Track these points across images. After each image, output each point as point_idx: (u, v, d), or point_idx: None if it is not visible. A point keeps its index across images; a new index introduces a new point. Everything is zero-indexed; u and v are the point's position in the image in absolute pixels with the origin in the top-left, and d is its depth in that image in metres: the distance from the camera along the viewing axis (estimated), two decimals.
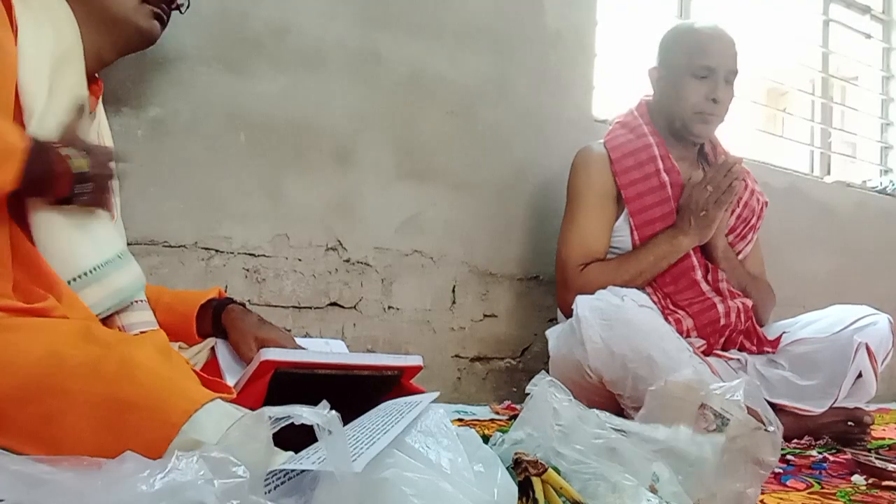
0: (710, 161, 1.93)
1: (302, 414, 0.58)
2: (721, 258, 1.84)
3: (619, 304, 1.60)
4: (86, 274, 0.98)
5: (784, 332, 1.84)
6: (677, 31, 1.90)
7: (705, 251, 1.83)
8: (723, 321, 1.77)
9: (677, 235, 1.76)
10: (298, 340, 1.18)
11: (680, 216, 1.77)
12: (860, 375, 1.67)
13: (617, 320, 1.57)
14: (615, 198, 1.82)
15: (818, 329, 1.79)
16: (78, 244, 1.00)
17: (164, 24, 1.18)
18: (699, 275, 1.79)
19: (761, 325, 1.89)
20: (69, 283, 0.97)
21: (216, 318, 1.16)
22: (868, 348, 1.66)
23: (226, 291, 1.62)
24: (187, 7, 1.26)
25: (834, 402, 1.66)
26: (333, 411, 0.59)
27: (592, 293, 1.65)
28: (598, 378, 1.59)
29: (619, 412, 1.49)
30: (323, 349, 1.24)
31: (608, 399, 1.59)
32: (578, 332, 1.58)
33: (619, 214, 1.82)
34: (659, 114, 1.87)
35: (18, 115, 0.96)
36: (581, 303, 1.61)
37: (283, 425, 0.60)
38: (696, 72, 1.79)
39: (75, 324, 0.86)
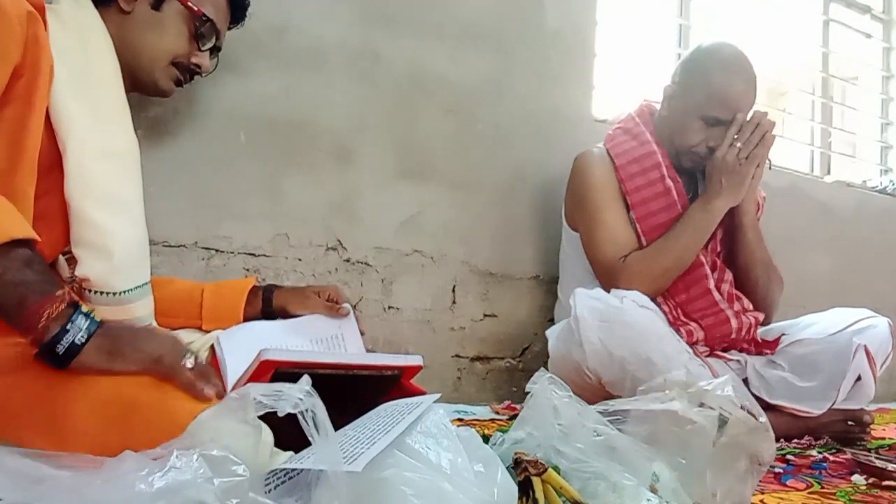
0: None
1: (285, 391, 0.58)
2: (749, 227, 1.81)
3: (618, 306, 1.59)
4: (114, 294, 1.03)
5: (783, 334, 1.84)
6: (707, 63, 1.79)
7: (734, 219, 1.80)
8: (733, 335, 1.76)
9: (710, 200, 1.72)
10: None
11: (709, 180, 1.73)
12: (859, 378, 1.67)
13: (615, 322, 1.56)
14: (622, 197, 1.82)
15: (817, 330, 1.79)
16: (134, 255, 1.05)
17: (181, 86, 1.24)
18: (712, 283, 1.77)
19: (769, 316, 1.88)
20: (94, 293, 1.01)
21: (266, 300, 1.27)
22: (867, 351, 1.66)
23: None
24: (212, 71, 1.32)
25: (833, 404, 1.65)
26: (315, 392, 0.59)
27: (640, 282, 1.65)
28: (597, 379, 1.59)
29: None
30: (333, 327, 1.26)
31: (607, 399, 1.59)
32: (577, 333, 1.58)
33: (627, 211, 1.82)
34: (661, 128, 1.85)
35: (52, 138, 0.98)
36: (580, 303, 1.61)
37: (268, 410, 0.60)
38: (706, 118, 1.75)
39: None
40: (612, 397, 1.59)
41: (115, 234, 1.02)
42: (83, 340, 0.77)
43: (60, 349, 0.75)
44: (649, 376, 1.47)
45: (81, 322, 0.77)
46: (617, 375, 1.56)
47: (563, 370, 1.62)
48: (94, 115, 1.02)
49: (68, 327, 0.76)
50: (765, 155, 1.73)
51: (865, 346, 1.66)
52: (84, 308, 0.80)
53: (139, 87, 1.20)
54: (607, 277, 1.75)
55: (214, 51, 1.27)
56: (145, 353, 0.79)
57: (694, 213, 1.72)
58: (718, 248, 1.86)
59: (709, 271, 1.77)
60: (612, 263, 1.74)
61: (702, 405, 0.93)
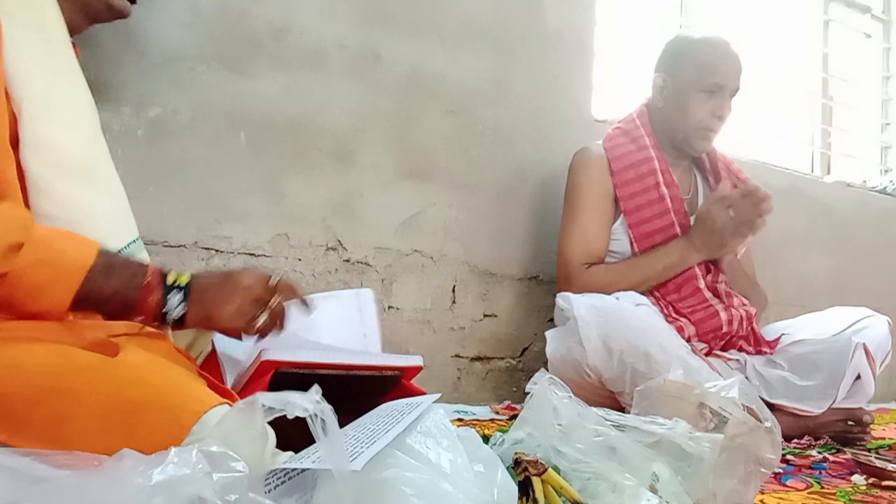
0: (703, 167, 1.94)
1: (294, 400, 0.58)
2: (725, 269, 1.84)
3: (615, 303, 1.60)
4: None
5: (783, 334, 1.84)
6: (687, 43, 1.87)
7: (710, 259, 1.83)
8: (725, 328, 1.76)
9: (689, 249, 1.74)
10: (325, 294, 1.18)
11: (694, 228, 1.75)
12: (859, 377, 1.67)
13: (614, 317, 1.57)
14: (613, 199, 1.83)
15: (817, 331, 1.79)
16: (104, 222, 0.96)
17: (134, 2, 1.14)
18: (702, 283, 1.79)
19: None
20: None
21: None
22: (866, 349, 1.67)
23: None
24: None
25: (832, 403, 1.66)
26: (324, 399, 0.59)
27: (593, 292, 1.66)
28: (598, 377, 1.59)
29: (621, 412, 1.49)
30: (350, 298, 1.23)
31: (608, 399, 1.59)
32: (576, 332, 1.59)
33: (616, 217, 1.83)
34: (661, 122, 1.86)
35: (8, 108, 0.89)
36: (577, 303, 1.62)
37: (277, 415, 0.60)
38: (705, 88, 1.78)
39: (87, 323, 0.86)
40: (612, 396, 1.60)
41: (83, 205, 0.94)
42: (183, 311, 0.87)
43: (168, 323, 0.87)
44: (648, 370, 1.49)
45: (174, 299, 0.86)
46: (617, 371, 1.56)
47: (562, 371, 1.63)
48: (52, 74, 0.94)
49: (165, 310, 0.86)
50: (746, 234, 1.73)
51: (865, 344, 1.67)
52: (169, 279, 0.87)
53: (94, 15, 1.10)
54: (566, 277, 1.79)
55: None
56: (232, 316, 0.89)
57: (670, 253, 1.74)
58: None
59: (699, 272, 1.78)
60: (574, 266, 1.78)
61: (701, 405, 0.93)
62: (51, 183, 0.91)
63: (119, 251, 0.96)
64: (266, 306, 0.91)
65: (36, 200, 0.90)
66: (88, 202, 0.95)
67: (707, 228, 1.72)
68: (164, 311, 0.86)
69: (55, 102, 0.94)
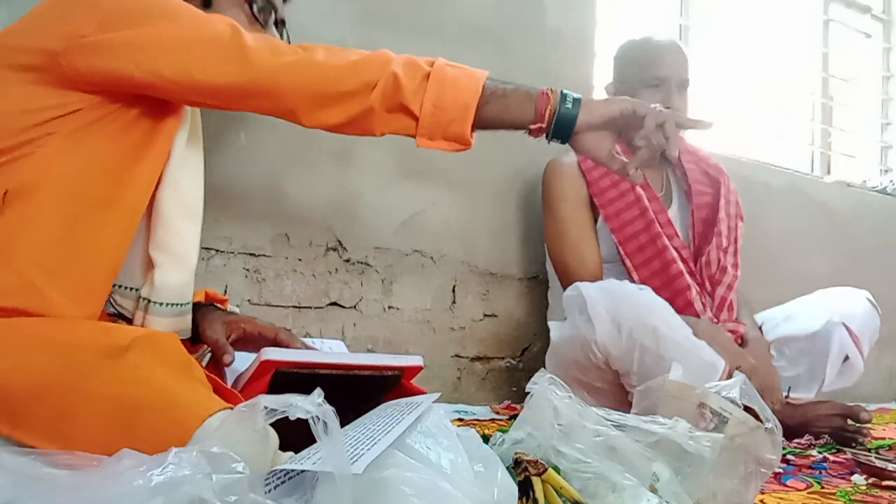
0: (674, 164, 1.94)
1: (296, 403, 0.58)
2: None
3: (623, 284, 1.63)
4: (181, 305, 1.03)
5: (762, 324, 1.85)
6: (629, 46, 1.92)
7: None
8: None
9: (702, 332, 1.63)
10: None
11: (732, 354, 1.62)
12: (847, 358, 1.69)
13: (622, 294, 1.59)
14: (589, 205, 1.85)
15: (800, 327, 1.79)
16: (194, 268, 1.05)
17: None
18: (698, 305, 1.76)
19: None
20: (158, 304, 1.00)
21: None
22: (848, 328, 1.68)
23: (226, 291, 1.63)
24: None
25: (822, 386, 1.67)
26: (326, 402, 0.59)
27: None
28: (605, 357, 1.59)
29: (624, 403, 1.51)
30: (322, 349, 1.24)
31: (612, 385, 1.61)
32: (585, 310, 1.59)
33: (595, 219, 1.85)
34: None
35: None
36: (586, 287, 1.62)
37: (278, 417, 0.60)
38: (648, 82, 1.80)
39: (95, 324, 0.87)
40: (616, 381, 1.60)
41: (195, 245, 1.04)
42: (576, 111, 1.04)
43: (560, 122, 1.05)
44: (657, 346, 1.50)
45: (570, 97, 1.04)
46: (626, 348, 1.56)
47: (567, 353, 1.64)
48: (192, 131, 1.06)
49: (561, 106, 1.04)
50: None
51: (844, 323, 1.68)
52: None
53: None
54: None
55: (280, 25, 1.25)
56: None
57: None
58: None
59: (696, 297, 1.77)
60: (579, 279, 1.75)
61: (701, 404, 0.93)
62: (177, 221, 1.01)
63: (183, 304, 1.04)
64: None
65: (160, 231, 1.00)
66: (195, 247, 1.05)
67: (738, 360, 1.60)
68: (560, 107, 1.02)
69: (189, 154, 1.05)
